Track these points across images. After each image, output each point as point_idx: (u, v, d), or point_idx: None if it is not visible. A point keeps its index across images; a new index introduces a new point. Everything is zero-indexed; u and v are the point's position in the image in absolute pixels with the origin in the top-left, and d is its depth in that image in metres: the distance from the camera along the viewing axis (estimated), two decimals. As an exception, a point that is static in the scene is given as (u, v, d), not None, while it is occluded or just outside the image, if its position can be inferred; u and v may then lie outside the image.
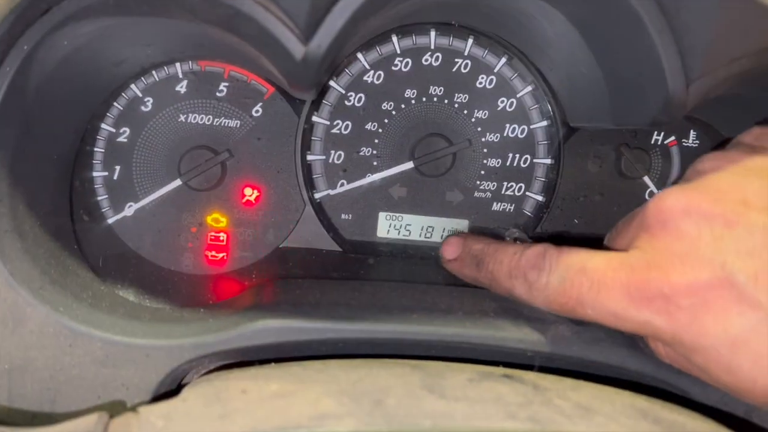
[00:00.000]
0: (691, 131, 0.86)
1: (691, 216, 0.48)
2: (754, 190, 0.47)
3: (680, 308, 0.46)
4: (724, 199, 0.47)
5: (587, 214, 0.86)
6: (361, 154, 0.83)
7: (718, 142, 0.84)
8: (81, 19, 0.55)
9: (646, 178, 0.86)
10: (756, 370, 0.44)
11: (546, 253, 0.56)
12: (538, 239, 0.81)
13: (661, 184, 0.87)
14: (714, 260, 0.45)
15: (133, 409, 0.44)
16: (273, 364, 0.53)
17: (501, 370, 0.52)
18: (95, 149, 0.78)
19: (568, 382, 0.50)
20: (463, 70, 0.83)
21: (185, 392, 0.47)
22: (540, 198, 0.86)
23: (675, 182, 0.86)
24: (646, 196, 0.87)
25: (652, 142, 0.86)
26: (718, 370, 0.46)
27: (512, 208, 0.86)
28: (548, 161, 0.85)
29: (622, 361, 0.60)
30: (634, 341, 0.61)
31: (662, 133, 0.86)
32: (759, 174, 0.49)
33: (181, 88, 0.79)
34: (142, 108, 0.79)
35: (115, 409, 0.55)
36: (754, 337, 0.43)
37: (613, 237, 0.60)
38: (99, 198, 0.79)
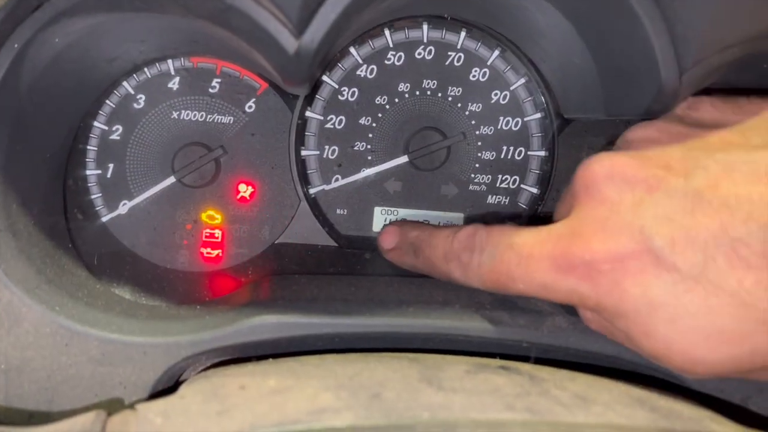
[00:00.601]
0: (685, 121, 0.86)
1: (613, 181, 0.47)
2: (677, 156, 0.47)
3: (601, 273, 0.46)
4: (647, 165, 0.47)
5: (582, 205, 0.87)
6: (356, 148, 0.83)
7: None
8: (73, 16, 0.55)
9: (640, 169, 0.86)
10: (671, 333, 0.44)
11: (476, 233, 0.57)
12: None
13: (655, 174, 0.87)
14: (633, 225, 0.45)
15: (131, 406, 0.44)
16: (270, 359, 0.53)
17: (497, 361, 0.52)
18: (88, 147, 0.78)
19: (564, 373, 0.51)
20: (456, 63, 0.82)
21: (183, 389, 0.47)
22: (535, 190, 0.86)
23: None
24: (641, 187, 0.87)
25: (646, 132, 0.86)
26: (638, 335, 0.46)
27: (507, 200, 0.86)
28: (542, 153, 0.85)
29: (617, 351, 0.60)
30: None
31: (656, 124, 0.86)
32: (683, 140, 0.49)
33: (174, 84, 0.79)
34: (135, 105, 0.78)
35: (113, 407, 0.55)
36: (670, 299, 0.43)
37: (555, 211, 0.61)
38: (93, 196, 0.79)
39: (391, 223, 0.77)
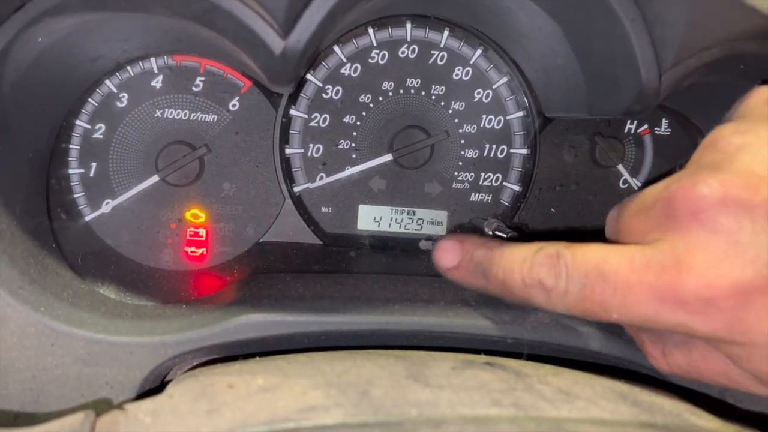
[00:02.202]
0: (664, 120, 0.87)
1: (728, 207, 0.43)
2: None
3: (720, 310, 0.43)
4: (761, 186, 0.42)
5: (563, 203, 0.88)
6: (340, 147, 0.84)
7: (690, 130, 0.86)
8: (56, 15, 0.54)
9: (620, 167, 0.87)
10: None
11: (559, 257, 0.50)
12: (516, 228, 0.83)
13: (635, 172, 0.88)
14: (758, 258, 0.41)
15: (119, 406, 0.44)
16: (257, 358, 0.53)
17: (483, 357, 0.53)
18: (71, 146, 0.77)
19: (548, 368, 0.51)
20: (440, 62, 0.83)
21: (171, 388, 0.47)
22: (517, 188, 0.87)
23: (650, 170, 0.88)
24: (621, 185, 0.88)
25: (626, 131, 0.87)
26: (759, 362, 0.45)
27: (490, 198, 0.87)
28: (524, 151, 0.86)
29: (600, 347, 0.61)
30: (612, 327, 0.63)
31: (635, 122, 0.87)
32: None
33: (157, 83, 0.79)
34: (118, 104, 0.78)
35: (100, 407, 0.55)
36: None
37: (622, 227, 0.53)
38: (76, 195, 0.78)
39: (448, 236, 0.67)
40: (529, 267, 0.52)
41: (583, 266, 0.48)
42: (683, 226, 0.45)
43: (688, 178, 0.45)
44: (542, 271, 0.51)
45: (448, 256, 0.63)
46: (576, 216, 0.88)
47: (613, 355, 0.61)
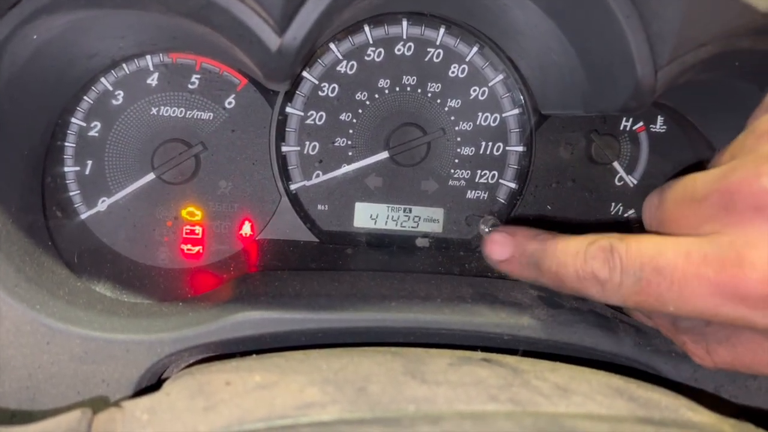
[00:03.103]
0: (659, 117, 0.88)
1: None
2: None
3: None
4: None
5: (560, 200, 0.88)
6: (336, 144, 0.83)
7: (685, 127, 0.86)
8: (52, 12, 0.54)
9: (615, 164, 0.88)
10: None
11: (612, 250, 0.50)
12: (513, 222, 0.83)
13: (631, 169, 0.88)
14: None
15: (116, 404, 0.44)
16: (254, 355, 0.54)
17: (480, 354, 0.53)
18: (66, 144, 0.77)
19: (545, 364, 0.52)
20: (436, 60, 0.83)
21: (168, 386, 0.47)
22: (513, 185, 0.87)
23: (645, 167, 0.88)
24: (616, 182, 0.89)
25: (621, 128, 0.88)
26: None
27: (486, 195, 0.87)
28: (520, 149, 0.86)
29: (596, 343, 0.61)
30: (608, 323, 0.63)
31: (631, 119, 0.88)
32: None
33: (153, 80, 0.78)
34: (113, 101, 0.78)
35: (96, 405, 0.55)
36: None
37: (668, 215, 0.52)
38: (71, 193, 0.78)
39: (498, 228, 0.66)
40: (583, 260, 0.52)
41: (637, 259, 0.48)
42: (744, 220, 0.43)
43: (750, 169, 0.44)
44: (596, 264, 0.51)
45: (500, 249, 0.63)
46: (572, 213, 0.88)
47: (609, 351, 0.61)
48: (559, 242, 0.56)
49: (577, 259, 0.53)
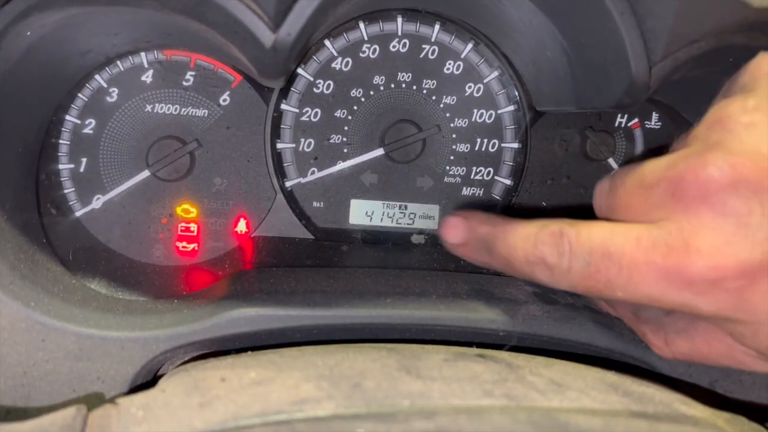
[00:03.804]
0: (654, 113, 0.88)
1: (739, 191, 0.43)
2: None
3: (727, 291, 0.43)
4: None
5: (555, 196, 0.88)
6: (332, 141, 0.83)
7: (680, 123, 0.86)
8: (45, 9, 0.54)
9: (610, 160, 0.88)
10: None
11: (563, 234, 0.50)
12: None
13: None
14: (766, 239, 0.42)
15: (112, 401, 0.44)
16: (249, 352, 0.54)
17: (475, 350, 0.53)
18: (60, 141, 0.77)
19: (540, 360, 0.52)
20: (431, 56, 0.83)
21: (163, 383, 0.47)
22: (508, 182, 0.87)
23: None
24: (611, 178, 0.89)
25: (616, 124, 0.88)
26: (763, 339, 0.46)
27: (482, 192, 0.87)
28: (516, 145, 0.86)
29: (591, 338, 0.61)
30: (603, 319, 0.63)
31: (626, 116, 0.88)
32: None
33: (147, 77, 0.78)
34: (108, 99, 0.78)
35: (92, 402, 0.55)
36: None
37: (618, 202, 0.52)
38: (66, 191, 0.78)
39: (454, 214, 0.64)
40: (533, 245, 0.52)
41: (587, 244, 0.48)
42: (691, 208, 0.45)
43: (697, 158, 0.45)
44: (545, 248, 0.51)
45: (454, 232, 0.63)
46: (567, 209, 0.88)
47: (604, 346, 0.61)
48: (509, 226, 0.56)
49: (527, 243, 0.53)
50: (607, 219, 0.52)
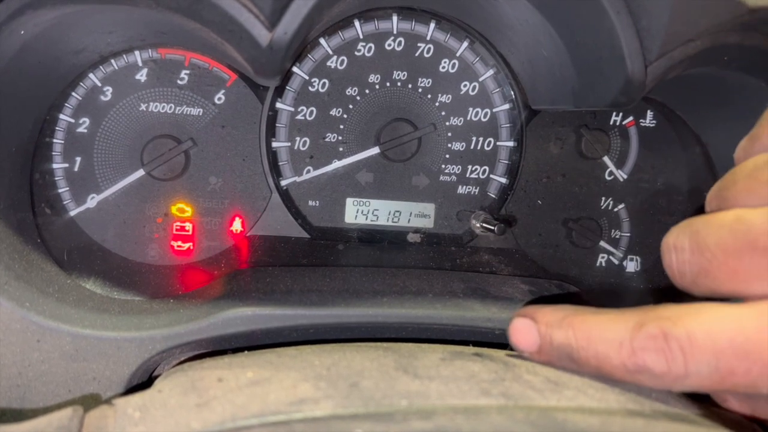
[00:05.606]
0: (649, 111, 0.88)
1: None
2: None
3: None
4: None
5: (550, 194, 0.88)
6: (327, 140, 0.83)
7: (674, 122, 0.87)
8: (39, 8, 0.54)
9: (605, 159, 0.88)
10: None
11: (668, 338, 0.40)
12: (503, 221, 0.83)
13: (621, 164, 0.89)
14: None
15: (108, 401, 0.44)
16: (246, 352, 0.53)
17: (471, 349, 0.53)
18: (54, 141, 0.76)
19: (537, 358, 0.52)
20: (426, 55, 0.83)
21: (159, 383, 0.47)
22: (504, 180, 0.87)
23: (635, 162, 0.89)
24: (606, 176, 0.89)
25: (611, 123, 0.88)
26: None
27: (477, 190, 0.87)
28: (511, 144, 0.86)
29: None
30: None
31: (620, 114, 0.88)
32: None
33: (141, 76, 0.78)
34: (102, 97, 0.77)
35: (87, 402, 0.54)
36: None
37: (719, 267, 0.41)
38: (60, 190, 0.78)
39: (521, 311, 0.51)
40: (630, 353, 0.42)
41: (709, 346, 0.39)
42: None
43: None
44: (647, 357, 0.41)
45: (525, 339, 0.50)
46: (562, 207, 0.89)
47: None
48: (593, 330, 0.45)
49: (622, 351, 0.42)
50: (695, 285, 0.43)
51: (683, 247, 0.42)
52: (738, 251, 0.39)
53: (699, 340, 0.39)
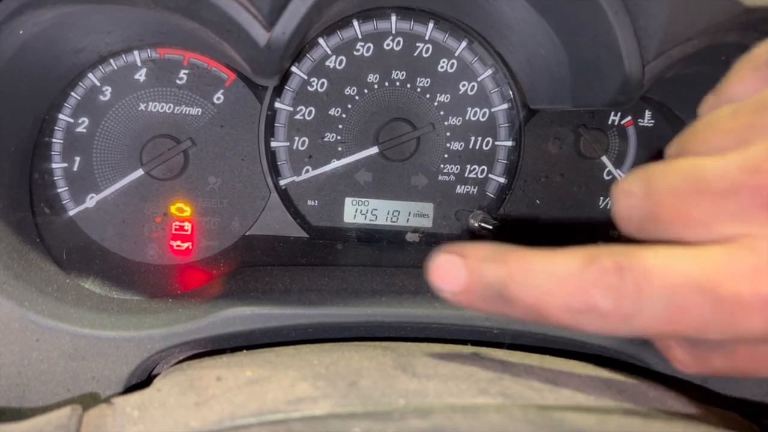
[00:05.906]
0: (647, 111, 0.88)
1: None
2: None
3: None
4: None
5: (548, 194, 0.88)
6: (326, 139, 0.83)
7: (673, 121, 0.87)
8: (38, 8, 0.54)
9: (604, 158, 0.88)
10: None
11: (622, 270, 0.37)
12: (501, 220, 0.83)
13: (619, 163, 0.89)
14: None
15: (107, 400, 0.44)
16: (245, 351, 0.54)
17: (470, 348, 0.53)
18: (53, 140, 0.77)
19: (534, 358, 0.52)
20: (425, 55, 0.83)
21: (158, 382, 0.47)
22: (502, 180, 0.87)
23: (633, 161, 0.89)
24: (605, 176, 0.89)
25: (610, 122, 0.88)
26: None
27: (476, 190, 0.87)
28: (509, 144, 0.87)
29: (584, 336, 0.62)
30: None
31: (619, 114, 0.88)
32: None
33: (140, 76, 0.78)
34: (101, 97, 0.77)
35: (86, 402, 0.55)
36: None
37: (670, 209, 0.39)
38: (59, 190, 0.78)
39: (445, 247, 0.43)
40: (578, 289, 0.38)
41: (665, 279, 0.36)
42: None
43: None
44: (598, 292, 0.37)
45: (450, 277, 0.42)
46: (561, 207, 0.89)
47: (598, 344, 0.61)
48: (532, 262, 0.40)
49: (568, 286, 0.38)
50: (640, 231, 0.41)
51: (634, 191, 0.41)
52: (689, 196, 0.38)
53: (655, 275, 0.36)
